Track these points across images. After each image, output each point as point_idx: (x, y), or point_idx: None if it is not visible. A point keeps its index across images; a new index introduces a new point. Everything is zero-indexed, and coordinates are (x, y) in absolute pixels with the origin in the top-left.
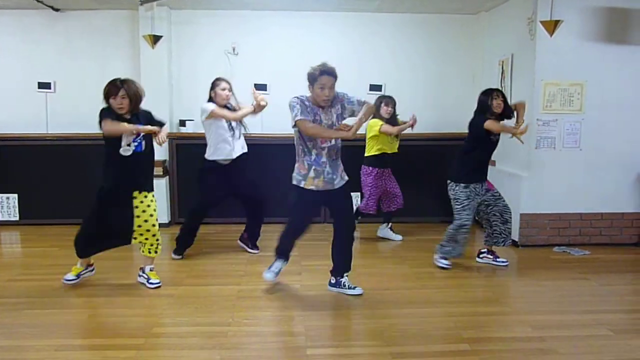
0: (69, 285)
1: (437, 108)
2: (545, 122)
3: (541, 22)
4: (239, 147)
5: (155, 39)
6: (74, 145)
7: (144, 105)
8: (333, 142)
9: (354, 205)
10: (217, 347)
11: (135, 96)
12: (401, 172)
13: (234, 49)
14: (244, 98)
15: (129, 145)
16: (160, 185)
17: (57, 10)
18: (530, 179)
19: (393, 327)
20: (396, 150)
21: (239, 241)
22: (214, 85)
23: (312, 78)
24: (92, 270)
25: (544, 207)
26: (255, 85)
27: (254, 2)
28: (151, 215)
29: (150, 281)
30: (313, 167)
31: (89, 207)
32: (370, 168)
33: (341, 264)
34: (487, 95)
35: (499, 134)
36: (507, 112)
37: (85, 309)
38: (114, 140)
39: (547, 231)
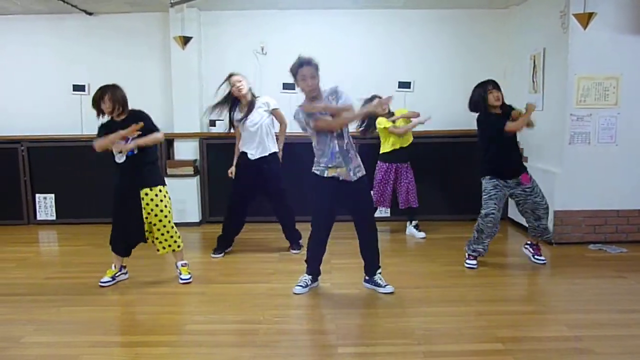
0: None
1: (460, 105)
2: (580, 117)
3: (574, 15)
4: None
5: (185, 40)
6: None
7: (177, 106)
8: (338, 131)
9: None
10: (249, 345)
11: (117, 96)
12: (431, 169)
13: (262, 49)
14: (272, 97)
15: (120, 152)
16: (191, 184)
17: (90, 14)
18: (564, 176)
19: (424, 325)
20: (409, 142)
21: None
22: (229, 79)
23: (293, 74)
24: (126, 274)
25: (578, 203)
26: (283, 84)
27: (282, 1)
28: (161, 211)
29: (181, 276)
30: (330, 163)
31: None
32: (381, 163)
33: (370, 262)
34: (482, 88)
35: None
36: (506, 108)
37: (119, 306)
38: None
39: (582, 228)
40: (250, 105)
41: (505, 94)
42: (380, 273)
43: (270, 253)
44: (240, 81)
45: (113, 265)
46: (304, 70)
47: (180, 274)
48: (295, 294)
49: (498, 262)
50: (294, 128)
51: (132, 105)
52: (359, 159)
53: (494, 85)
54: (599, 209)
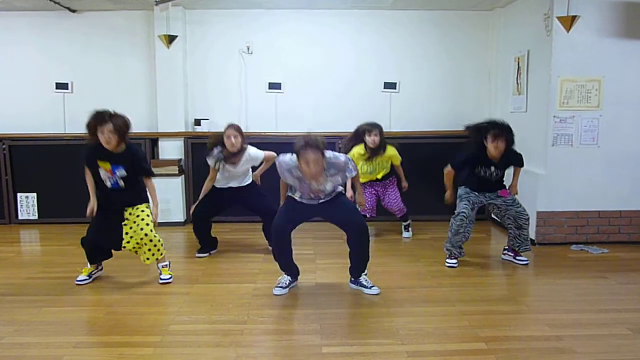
0: (83, 285)
1: (453, 105)
2: (562, 119)
3: (558, 17)
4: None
5: (170, 39)
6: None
7: (162, 105)
8: (322, 187)
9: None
10: (233, 345)
11: (122, 130)
12: (417, 169)
13: (248, 48)
14: (257, 96)
15: (104, 180)
16: (175, 184)
17: (73, 11)
18: (547, 177)
19: (408, 325)
20: (382, 174)
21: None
22: (225, 131)
23: (296, 151)
24: (101, 269)
25: (561, 204)
26: (269, 84)
27: (268, 1)
28: (146, 225)
29: (161, 276)
30: (298, 194)
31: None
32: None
33: (356, 266)
34: (483, 136)
35: (490, 171)
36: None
37: (102, 306)
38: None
39: (565, 229)
40: (238, 156)
41: (489, 95)
42: (365, 274)
43: (255, 253)
44: (236, 137)
45: (89, 263)
46: (308, 154)
47: (161, 274)
48: (275, 295)
49: (481, 263)
50: (280, 128)
51: (115, 106)
52: (338, 187)
53: (496, 135)
54: (581, 210)
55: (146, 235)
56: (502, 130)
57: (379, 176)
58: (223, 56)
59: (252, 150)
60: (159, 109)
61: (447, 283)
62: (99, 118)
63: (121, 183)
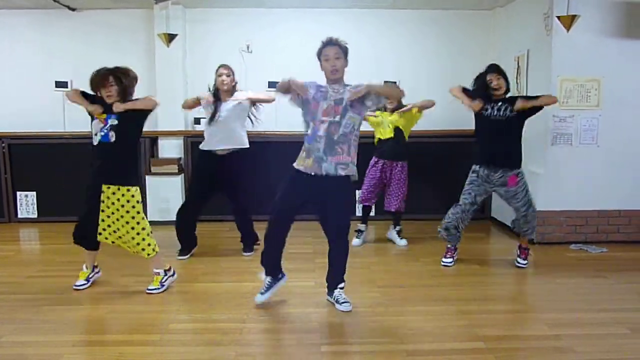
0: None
1: (453, 105)
2: (562, 118)
3: (558, 17)
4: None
5: (170, 38)
6: (90, 143)
7: (161, 103)
8: (337, 118)
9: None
10: (233, 344)
11: (126, 85)
12: (416, 169)
13: (248, 47)
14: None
15: (96, 134)
16: (175, 183)
17: (73, 9)
18: (547, 176)
19: (407, 324)
20: (390, 136)
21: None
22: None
23: (318, 53)
24: (98, 272)
25: (560, 204)
26: (269, 83)
27: None
28: (124, 215)
29: (149, 287)
30: (306, 144)
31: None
32: (373, 157)
33: (332, 276)
34: (484, 73)
35: (495, 109)
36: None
37: (102, 305)
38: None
39: (564, 228)
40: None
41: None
42: (342, 288)
43: (254, 252)
44: (227, 75)
45: (84, 266)
46: (327, 50)
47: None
48: (256, 302)
49: (481, 262)
50: (280, 127)
51: None
52: (350, 158)
53: (492, 67)
54: (580, 209)
55: (128, 223)
56: (496, 65)
57: (386, 135)
58: (223, 55)
59: (239, 94)
60: (159, 107)
61: (446, 282)
62: (102, 72)
63: (111, 135)
